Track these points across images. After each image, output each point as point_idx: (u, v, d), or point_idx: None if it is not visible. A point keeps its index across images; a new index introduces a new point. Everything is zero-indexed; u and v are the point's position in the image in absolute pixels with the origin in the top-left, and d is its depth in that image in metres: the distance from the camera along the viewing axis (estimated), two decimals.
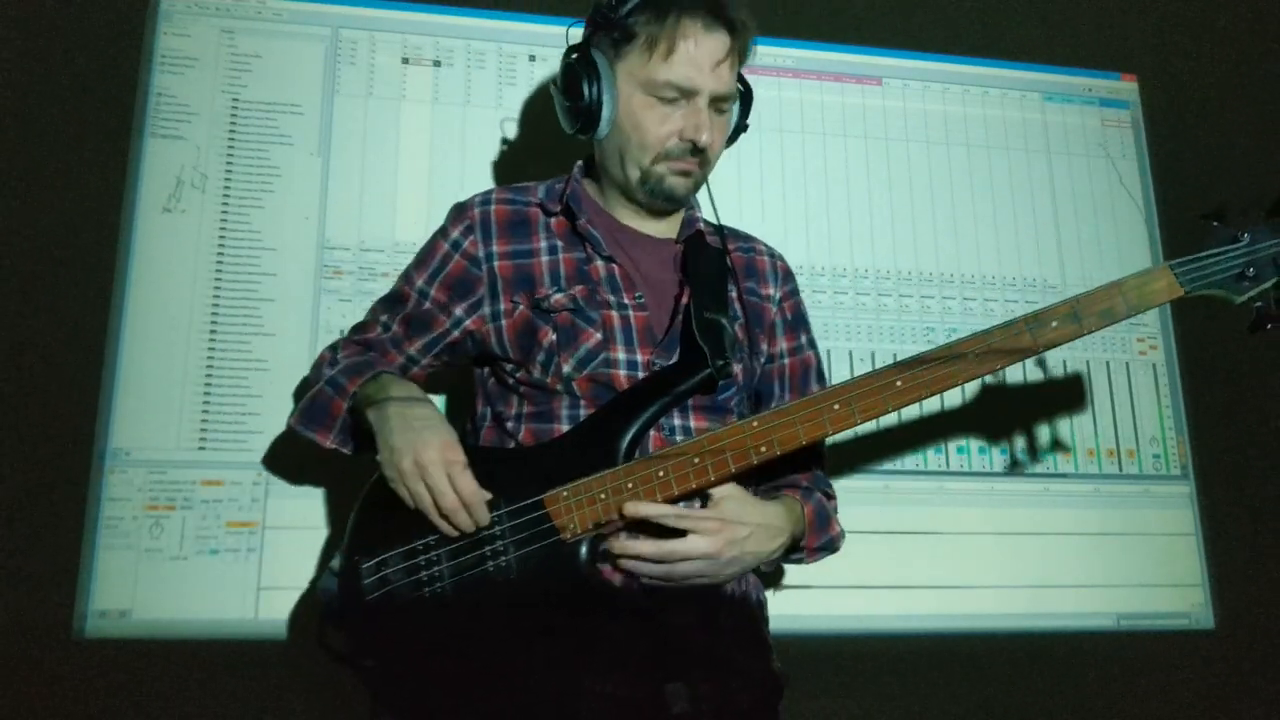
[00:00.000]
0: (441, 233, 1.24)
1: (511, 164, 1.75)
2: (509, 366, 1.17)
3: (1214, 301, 1.10)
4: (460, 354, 1.25)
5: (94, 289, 1.56)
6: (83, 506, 1.49)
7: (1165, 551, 1.81)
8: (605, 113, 1.16)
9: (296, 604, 1.50)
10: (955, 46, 1.99)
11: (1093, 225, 1.95)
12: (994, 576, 1.74)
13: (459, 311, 1.20)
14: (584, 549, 1.04)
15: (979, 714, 1.66)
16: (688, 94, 1.14)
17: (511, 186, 1.27)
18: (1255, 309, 1.09)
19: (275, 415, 1.53)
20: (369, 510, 1.10)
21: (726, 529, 1.03)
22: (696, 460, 1.05)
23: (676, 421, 1.13)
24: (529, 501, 1.05)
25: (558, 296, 1.15)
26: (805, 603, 1.66)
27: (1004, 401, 1.81)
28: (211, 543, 1.51)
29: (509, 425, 1.15)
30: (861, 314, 1.82)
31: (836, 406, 1.05)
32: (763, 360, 1.27)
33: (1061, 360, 1.87)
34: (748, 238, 1.35)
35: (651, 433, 1.10)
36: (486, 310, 1.18)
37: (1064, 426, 1.84)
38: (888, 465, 1.76)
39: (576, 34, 1.25)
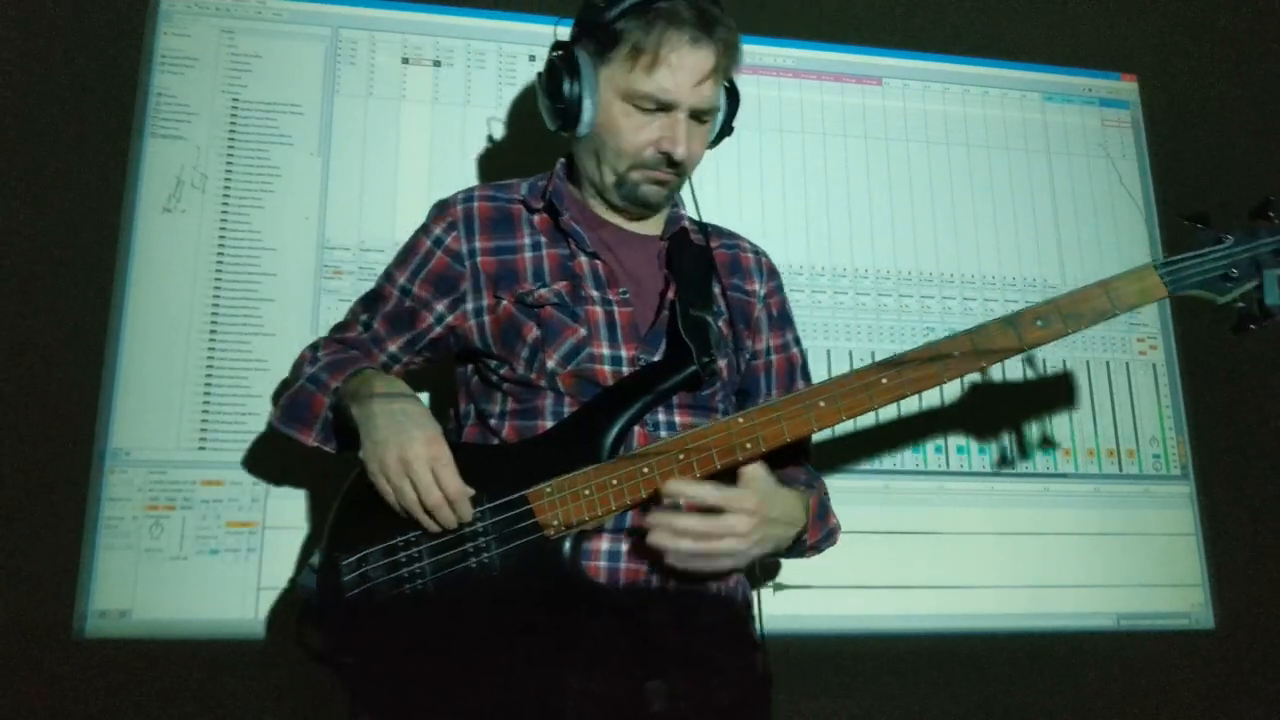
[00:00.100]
0: (423, 230, 1.23)
1: (512, 164, 1.75)
2: (492, 363, 1.16)
3: (1198, 302, 1.11)
4: (442, 351, 1.24)
5: (94, 289, 1.56)
6: (83, 506, 1.49)
7: (1165, 551, 1.81)
8: (585, 115, 1.16)
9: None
10: (955, 46, 1.99)
11: (1093, 225, 1.95)
12: (994, 576, 1.74)
13: (441, 308, 1.19)
14: (567, 545, 1.03)
15: (979, 714, 1.66)
16: (667, 107, 1.14)
17: (494, 184, 1.27)
18: (1238, 310, 1.10)
19: None
20: (349, 507, 1.08)
21: (760, 508, 1.03)
22: (682, 456, 1.04)
23: (661, 418, 1.12)
24: (512, 498, 1.04)
25: (541, 292, 1.14)
26: (805, 603, 1.66)
27: (1000, 400, 1.82)
28: (211, 543, 1.51)
29: (492, 423, 1.15)
30: (861, 314, 1.82)
31: (822, 404, 1.05)
32: (747, 356, 1.27)
33: (1061, 360, 1.87)
34: (732, 235, 1.35)
35: (636, 429, 1.09)
36: (469, 306, 1.18)
37: (1064, 426, 1.84)
38: (888, 465, 1.76)
39: (565, 32, 1.24)
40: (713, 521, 1.01)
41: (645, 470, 1.04)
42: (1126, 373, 1.90)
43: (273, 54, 1.71)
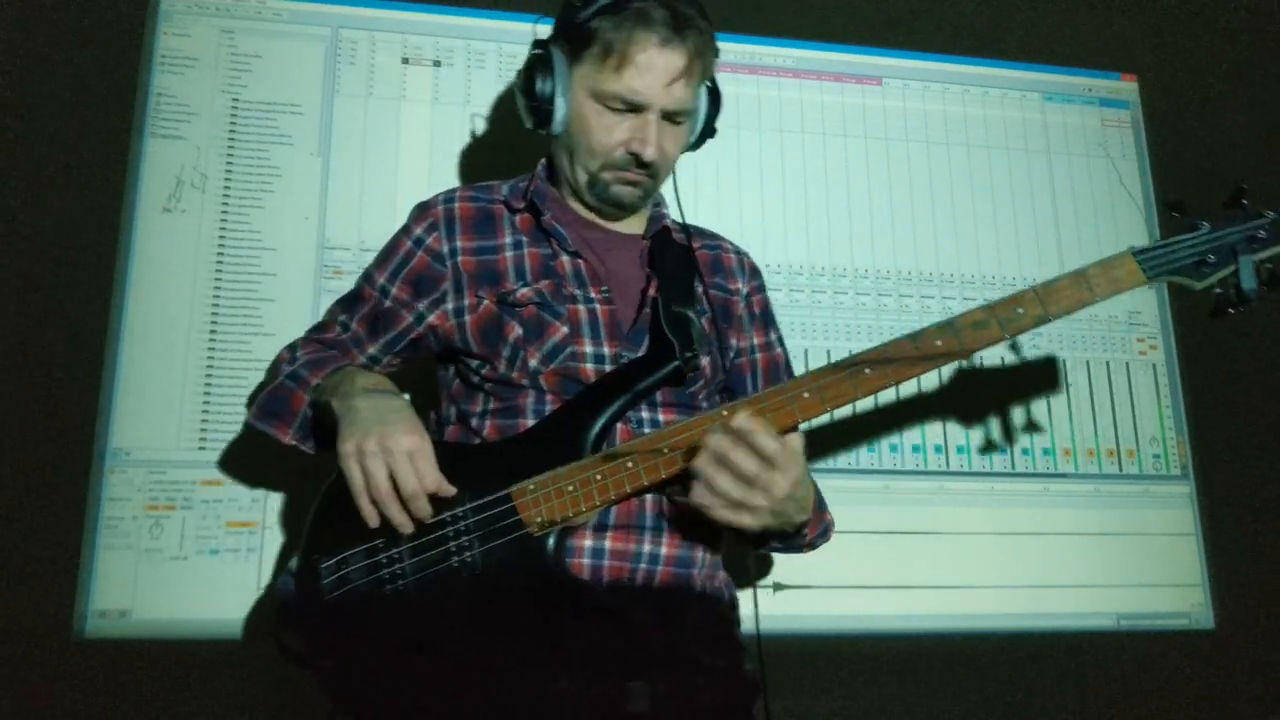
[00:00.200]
0: (404, 231, 1.23)
1: (512, 164, 1.74)
2: (474, 363, 1.16)
3: (1180, 288, 1.12)
4: (422, 351, 1.23)
5: (94, 289, 1.56)
6: (83, 506, 1.49)
7: (1165, 551, 1.81)
8: (558, 113, 1.17)
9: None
10: (955, 46, 1.99)
11: (1093, 225, 1.95)
12: (994, 576, 1.74)
13: (421, 307, 1.19)
14: (551, 542, 1.02)
15: (979, 714, 1.66)
16: (637, 108, 1.13)
17: (475, 185, 1.26)
18: (1215, 295, 1.11)
19: None
20: (328, 509, 1.06)
21: (796, 480, 0.99)
22: (667, 451, 1.03)
23: (645, 414, 1.11)
24: (495, 495, 1.03)
25: (523, 291, 1.14)
26: (805, 603, 1.66)
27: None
28: (211, 543, 1.51)
29: (473, 422, 1.14)
30: (861, 314, 1.82)
31: (806, 395, 1.04)
32: (731, 355, 1.26)
33: (1062, 360, 1.87)
34: (714, 236, 1.35)
35: (619, 426, 1.09)
36: (450, 306, 1.17)
37: (1063, 426, 1.84)
38: (888, 465, 1.76)
39: (547, 30, 1.24)
40: (761, 472, 0.97)
41: (629, 465, 1.03)
42: (1126, 373, 1.90)
43: (273, 54, 1.71)
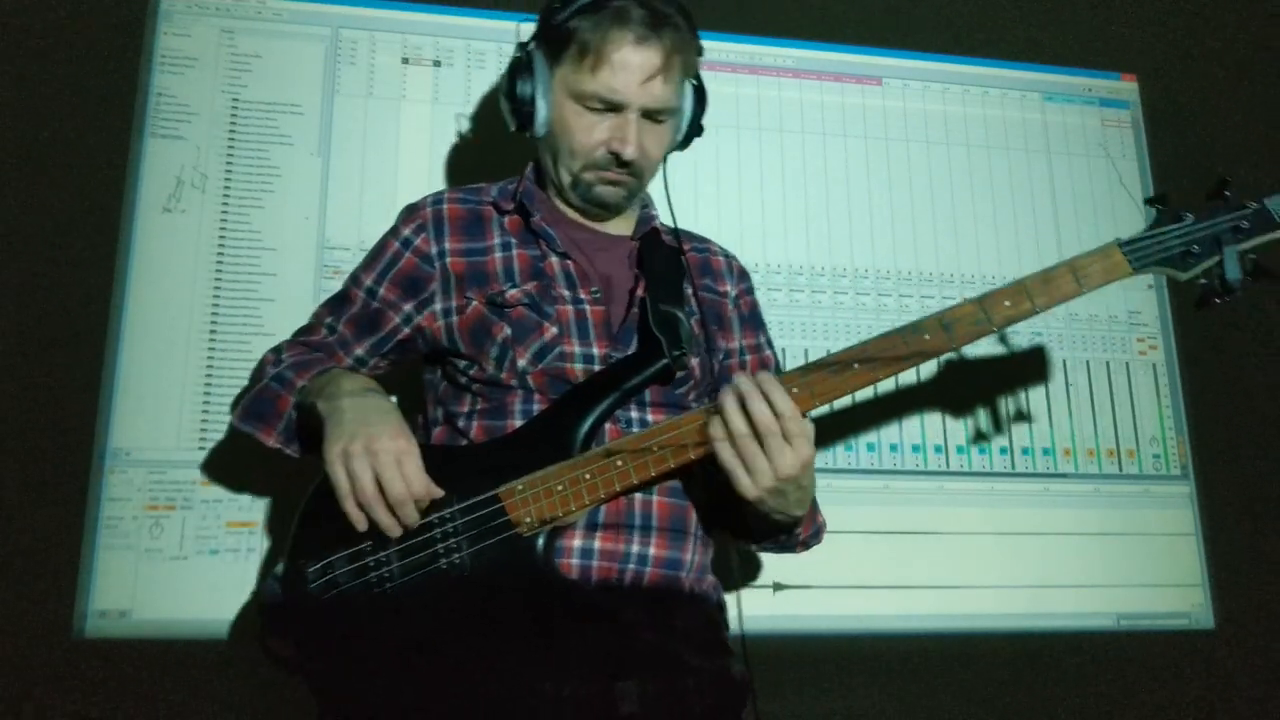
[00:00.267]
0: (392, 232, 1.22)
1: (512, 164, 1.74)
2: (462, 364, 1.15)
3: (1181, 286, 1.13)
4: (410, 353, 1.23)
5: (94, 289, 1.56)
6: (83, 506, 1.49)
7: (1165, 551, 1.81)
8: (540, 115, 1.17)
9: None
10: (955, 46, 1.99)
11: (1093, 225, 1.95)
12: (994, 576, 1.74)
13: (408, 308, 1.18)
14: (541, 542, 1.02)
15: (979, 714, 1.66)
16: (616, 107, 1.14)
17: (463, 187, 1.26)
18: (1200, 286, 1.12)
19: None
20: (315, 512, 1.06)
21: (806, 469, 1.00)
22: (656, 448, 1.03)
23: (634, 414, 1.11)
24: (483, 496, 1.03)
25: (512, 292, 1.14)
26: (805, 603, 1.66)
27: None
28: (211, 543, 1.51)
29: (460, 424, 1.13)
30: (861, 314, 1.82)
31: (795, 390, 1.04)
32: (721, 357, 1.26)
33: (1062, 360, 1.87)
34: (703, 239, 1.35)
35: (607, 426, 1.08)
36: (438, 307, 1.17)
37: (1063, 426, 1.84)
38: (888, 465, 1.76)
39: (529, 29, 1.23)
40: (777, 437, 0.97)
41: (619, 464, 1.03)
42: (1126, 373, 1.90)
43: (273, 54, 1.71)
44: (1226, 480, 1.87)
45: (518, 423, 1.10)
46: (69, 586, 1.45)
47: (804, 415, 1.03)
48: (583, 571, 1.04)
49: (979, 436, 1.78)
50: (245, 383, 1.53)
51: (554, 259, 1.18)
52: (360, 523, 0.99)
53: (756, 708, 1.13)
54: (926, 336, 1.07)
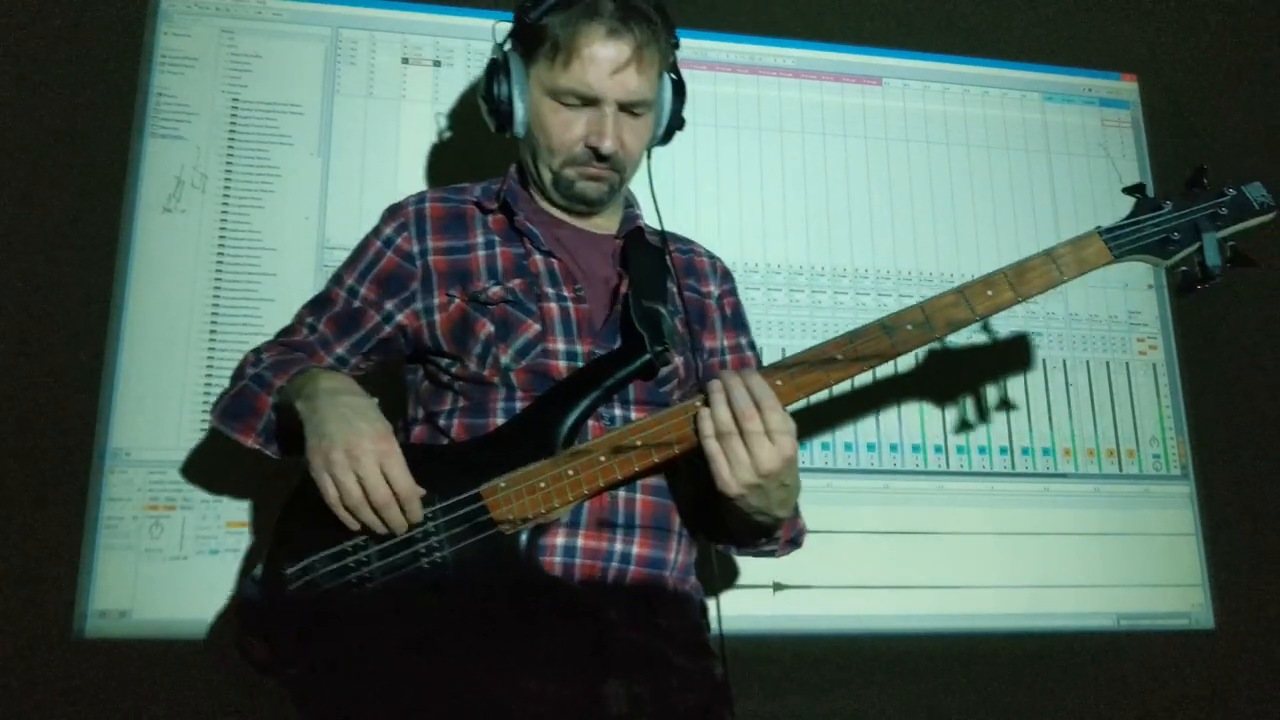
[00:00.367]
0: (374, 232, 1.22)
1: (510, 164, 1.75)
2: (444, 362, 1.14)
3: (1148, 264, 1.14)
4: (392, 352, 1.22)
5: (94, 289, 1.56)
6: (83, 506, 1.49)
7: (1165, 551, 1.81)
8: (517, 114, 1.18)
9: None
10: (955, 46, 2.00)
11: (1092, 225, 1.94)
12: (994, 576, 1.74)
13: (390, 307, 1.18)
14: (524, 540, 1.00)
15: (979, 714, 1.66)
16: (590, 101, 1.14)
17: (447, 187, 1.26)
18: (1181, 273, 1.13)
19: None
20: (294, 513, 1.04)
21: (789, 464, 1.00)
22: (639, 443, 1.02)
23: (617, 412, 1.10)
24: (466, 495, 1.01)
25: (495, 289, 1.13)
26: (805, 603, 1.66)
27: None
28: (211, 543, 1.51)
29: (441, 422, 1.12)
30: (862, 314, 1.82)
31: (779, 383, 1.03)
32: (705, 356, 1.26)
33: (1062, 361, 1.87)
34: (687, 240, 1.35)
35: (590, 423, 1.07)
36: (420, 305, 1.16)
37: (1063, 426, 1.84)
38: (888, 465, 1.76)
39: (505, 28, 1.24)
40: (759, 429, 0.98)
41: (602, 459, 1.02)
42: (1126, 373, 1.90)
43: (273, 54, 1.71)
44: (1226, 480, 1.87)
45: (500, 421, 1.09)
46: (69, 586, 1.45)
47: (787, 405, 1.03)
48: (566, 569, 1.03)
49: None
50: None
51: (538, 257, 1.17)
52: (351, 524, 0.98)
53: (733, 712, 1.12)
54: (909, 327, 1.06)
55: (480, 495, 1.02)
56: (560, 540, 1.04)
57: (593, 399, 1.07)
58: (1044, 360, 1.86)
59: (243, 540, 1.52)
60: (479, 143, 1.75)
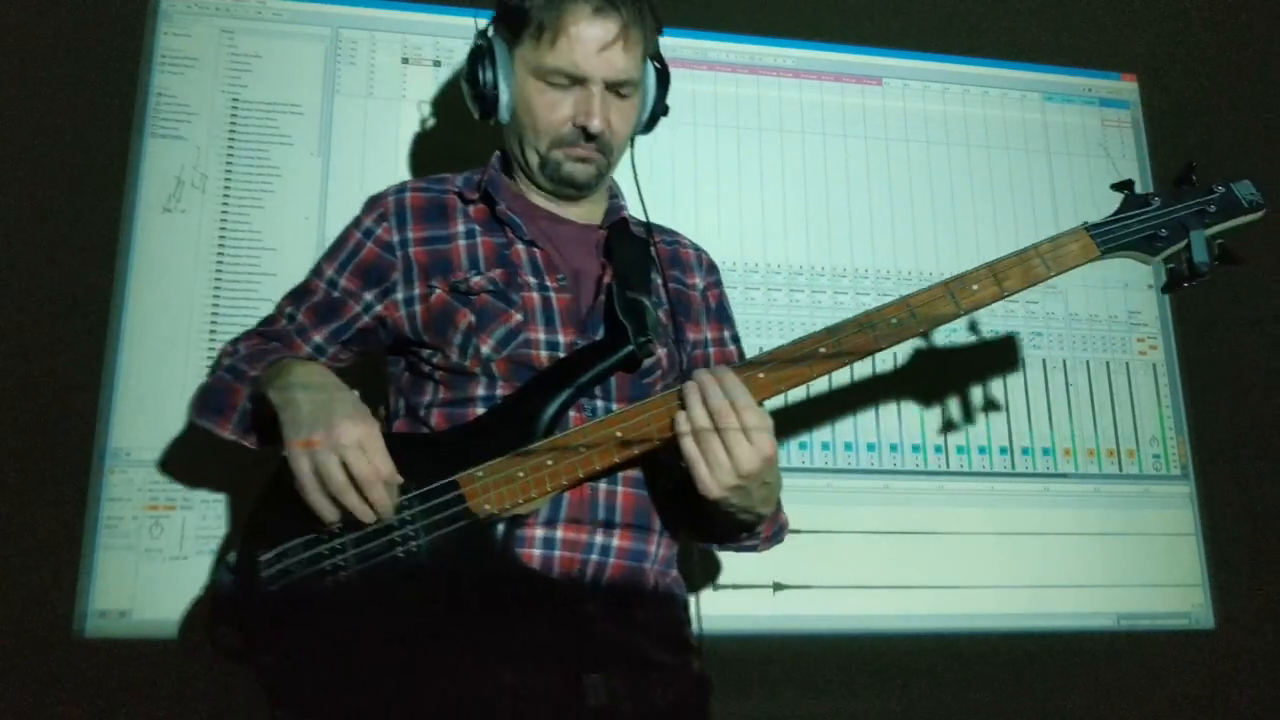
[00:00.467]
0: (354, 223, 1.21)
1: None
2: (425, 352, 1.13)
3: (1135, 261, 1.13)
4: (371, 342, 1.21)
5: (94, 289, 1.56)
6: (83, 506, 1.49)
7: (1165, 551, 1.81)
8: (503, 98, 1.17)
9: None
10: (955, 46, 1.99)
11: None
12: (994, 576, 1.74)
13: (369, 298, 1.17)
14: (500, 531, 0.99)
15: (979, 714, 1.66)
16: (577, 80, 1.13)
17: (428, 177, 1.26)
18: (1168, 270, 1.13)
19: None
20: (270, 502, 1.03)
21: (768, 463, 0.98)
22: (619, 434, 1.01)
23: (599, 404, 1.09)
24: (442, 483, 1.00)
25: (476, 279, 1.12)
26: (805, 603, 1.66)
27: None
28: (211, 543, 1.51)
29: (421, 413, 1.11)
30: None
31: (761, 375, 1.02)
32: (689, 348, 1.25)
33: (1062, 361, 1.87)
34: (672, 232, 1.34)
35: (572, 414, 1.06)
36: (400, 295, 1.15)
37: (1063, 426, 1.84)
38: (888, 465, 1.76)
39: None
40: (735, 428, 0.96)
41: (582, 450, 1.00)
42: (1126, 373, 1.90)
43: (273, 54, 1.71)
44: (1226, 480, 1.87)
45: (481, 412, 1.08)
46: (69, 586, 1.45)
47: (769, 398, 1.02)
48: (545, 562, 1.02)
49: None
50: None
51: (520, 246, 1.16)
52: (330, 513, 0.96)
53: (709, 709, 1.11)
54: (893, 321, 1.06)
55: (457, 484, 1.00)
56: (539, 532, 1.03)
57: (574, 389, 1.06)
58: (1044, 360, 1.87)
59: None
60: (480, 139, 1.76)
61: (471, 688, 0.97)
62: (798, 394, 1.72)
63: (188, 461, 1.54)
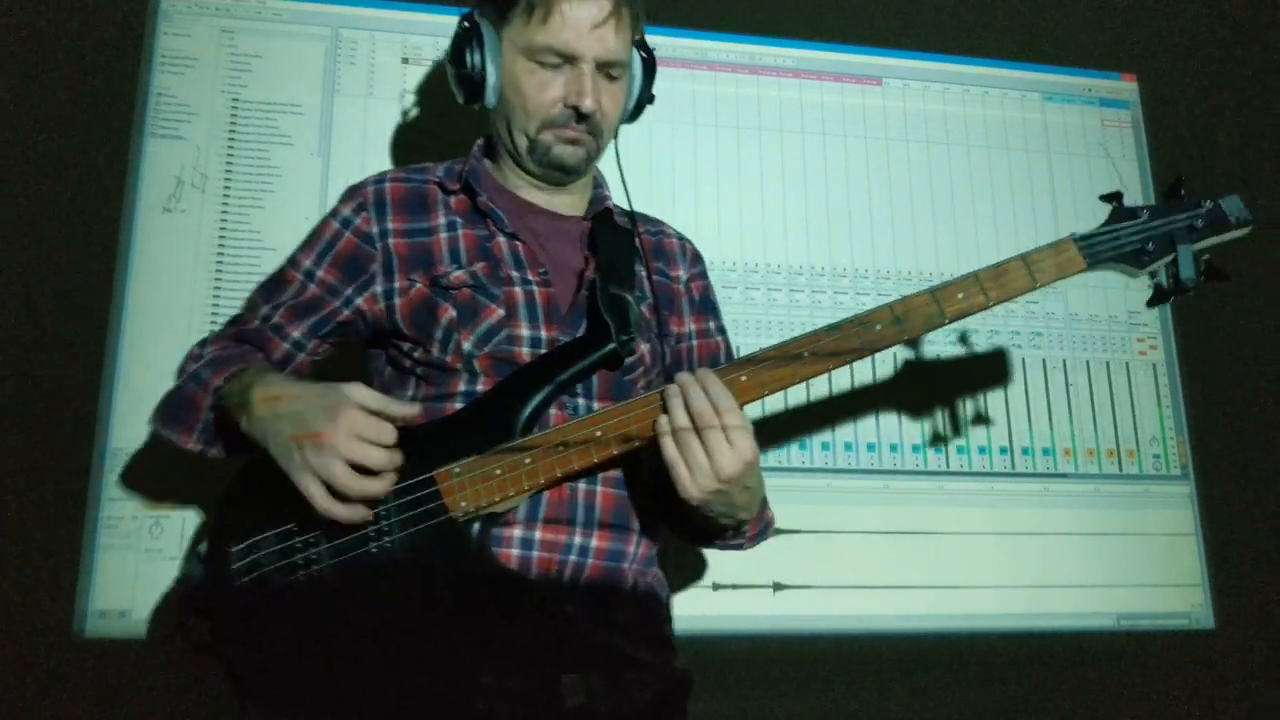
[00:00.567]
0: (332, 213, 1.18)
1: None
2: (406, 346, 1.11)
3: (1122, 273, 1.12)
4: (352, 335, 1.18)
5: (94, 289, 1.56)
6: (83, 506, 1.49)
7: (1165, 551, 1.81)
8: (490, 80, 1.14)
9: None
10: (955, 46, 1.99)
11: (1092, 225, 1.94)
12: (994, 576, 1.74)
13: (349, 291, 1.14)
14: (476, 529, 0.98)
15: (979, 714, 1.66)
16: (569, 59, 1.11)
17: (408, 166, 1.23)
18: (1154, 284, 1.12)
19: None
20: (242, 493, 1.02)
21: (749, 467, 0.97)
22: (599, 434, 1.00)
23: (580, 401, 1.08)
24: (418, 479, 0.98)
25: (457, 273, 1.10)
26: (805, 603, 1.66)
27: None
28: None
29: None
30: None
31: (744, 378, 1.02)
32: (672, 342, 1.23)
33: (1061, 361, 1.87)
34: (656, 221, 1.32)
35: (553, 411, 1.05)
36: (379, 289, 1.13)
37: (1063, 426, 1.84)
38: (888, 465, 1.76)
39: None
40: (717, 432, 0.96)
41: (561, 449, 0.99)
42: (1126, 373, 1.90)
43: (273, 54, 1.71)
44: (1226, 480, 1.87)
45: (459, 407, 1.06)
46: (69, 586, 1.45)
47: (752, 402, 1.01)
48: (522, 562, 1.01)
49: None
50: None
51: (502, 239, 1.14)
52: (361, 514, 0.94)
53: (688, 707, 1.11)
54: (878, 327, 1.05)
55: (434, 480, 0.99)
56: (518, 532, 1.02)
57: (554, 387, 1.04)
58: (1044, 360, 1.87)
59: None
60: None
61: (446, 687, 0.96)
62: (798, 395, 1.73)
63: (188, 461, 1.53)
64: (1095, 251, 1.09)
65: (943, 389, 1.80)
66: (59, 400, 1.51)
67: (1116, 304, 1.92)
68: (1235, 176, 1.97)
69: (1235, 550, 1.83)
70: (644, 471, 1.11)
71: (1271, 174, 2.00)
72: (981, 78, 2.00)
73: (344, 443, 0.92)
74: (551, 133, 1.14)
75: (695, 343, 1.27)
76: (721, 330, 1.31)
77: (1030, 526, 1.77)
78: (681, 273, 1.28)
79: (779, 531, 1.65)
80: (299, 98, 1.70)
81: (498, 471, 0.99)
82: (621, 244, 1.20)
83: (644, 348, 1.14)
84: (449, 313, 1.09)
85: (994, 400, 1.82)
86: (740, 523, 1.07)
